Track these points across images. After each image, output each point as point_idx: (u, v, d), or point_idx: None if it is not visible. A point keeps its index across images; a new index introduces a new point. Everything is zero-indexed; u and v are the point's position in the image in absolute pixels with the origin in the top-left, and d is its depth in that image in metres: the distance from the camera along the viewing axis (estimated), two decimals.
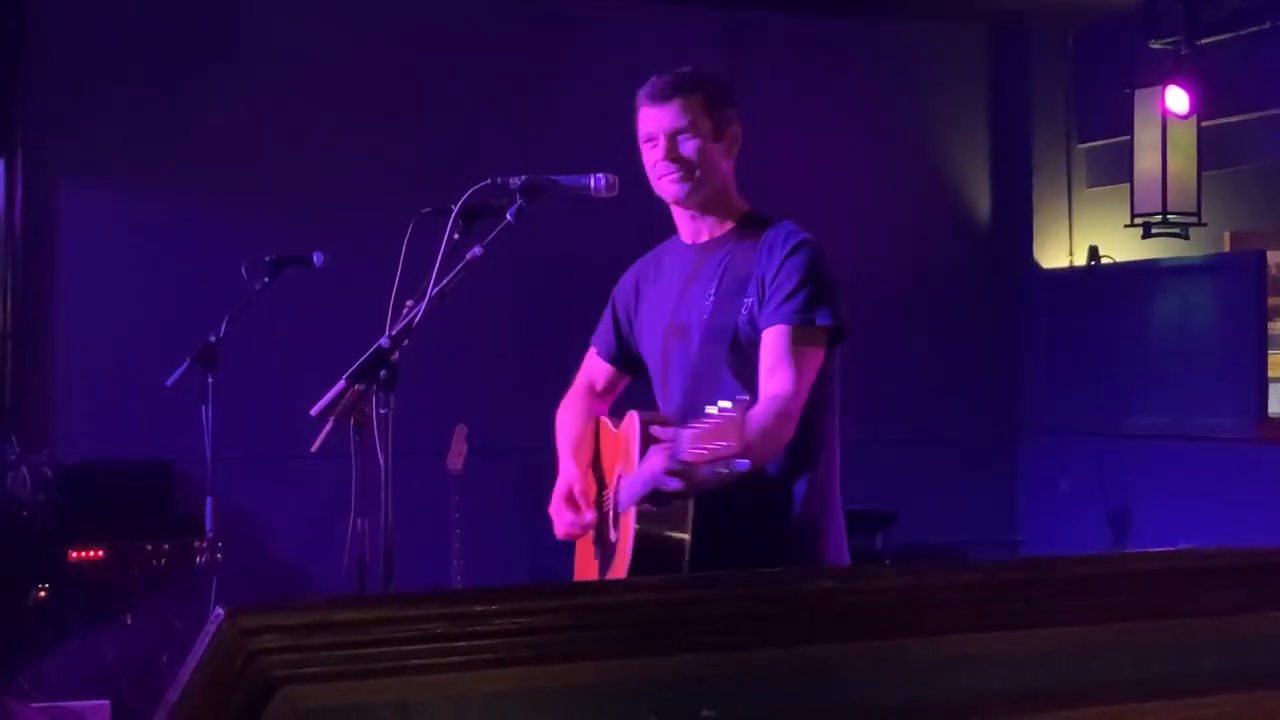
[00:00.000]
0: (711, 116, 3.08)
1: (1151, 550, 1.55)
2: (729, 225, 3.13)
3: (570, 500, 3.18)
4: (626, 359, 3.34)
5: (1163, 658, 1.44)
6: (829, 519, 3.07)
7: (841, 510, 3.12)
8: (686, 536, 2.89)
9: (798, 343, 2.94)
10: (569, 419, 3.37)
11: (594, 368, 3.41)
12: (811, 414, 2.99)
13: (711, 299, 3.07)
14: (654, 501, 2.87)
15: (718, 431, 2.56)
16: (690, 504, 2.87)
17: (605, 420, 3.31)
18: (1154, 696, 1.41)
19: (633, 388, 3.42)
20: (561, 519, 3.20)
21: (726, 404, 2.56)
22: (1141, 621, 1.43)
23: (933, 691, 1.35)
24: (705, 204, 3.13)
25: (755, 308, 2.99)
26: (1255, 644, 1.48)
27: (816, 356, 2.97)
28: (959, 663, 1.36)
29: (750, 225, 3.11)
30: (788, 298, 2.95)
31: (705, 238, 3.16)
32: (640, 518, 2.92)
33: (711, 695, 1.27)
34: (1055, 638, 1.40)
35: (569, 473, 3.24)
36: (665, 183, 3.09)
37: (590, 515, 3.15)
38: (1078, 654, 1.41)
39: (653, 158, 3.10)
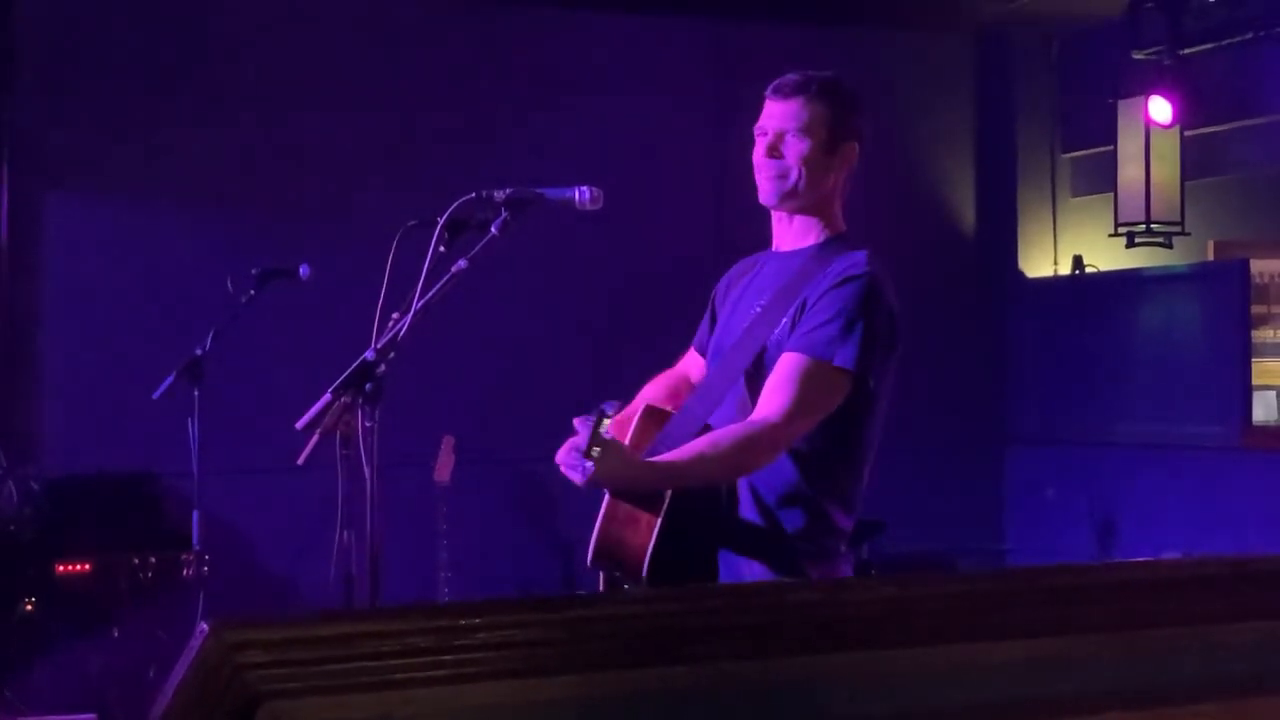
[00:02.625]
0: (830, 127, 2.98)
1: (1136, 560, 1.55)
2: (814, 241, 3.03)
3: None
4: None
5: (1147, 667, 1.45)
6: (820, 564, 2.94)
7: (841, 540, 3.00)
8: (653, 534, 2.85)
9: (809, 376, 2.83)
10: (639, 397, 3.25)
11: (689, 360, 3.33)
12: (822, 453, 2.91)
13: (757, 311, 3.01)
14: (617, 495, 2.88)
15: (584, 433, 2.60)
16: (665, 504, 2.85)
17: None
18: (1138, 706, 1.42)
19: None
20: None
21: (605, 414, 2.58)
22: (1126, 631, 1.44)
23: (918, 703, 1.36)
24: (799, 212, 3.03)
25: (787, 330, 2.91)
26: (1239, 652, 1.49)
27: (827, 395, 2.86)
28: (944, 673, 1.36)
29: (832, 247, 3.00)
30: (816, 328, 2.86)
31: (788, 248, 3.06)
32: (606, 507, 2.93)
33: (697, 708, 1.28)
34: (1040, 647, 1.41)
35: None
36: (759, 180, 3.01)
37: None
38: (1063, 663, 1.42)
39: (757, 152, 3.01)
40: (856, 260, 2.95)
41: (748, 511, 2.95)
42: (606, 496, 2.94)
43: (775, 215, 3.08)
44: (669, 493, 2.86)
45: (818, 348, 2.85)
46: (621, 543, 2.89)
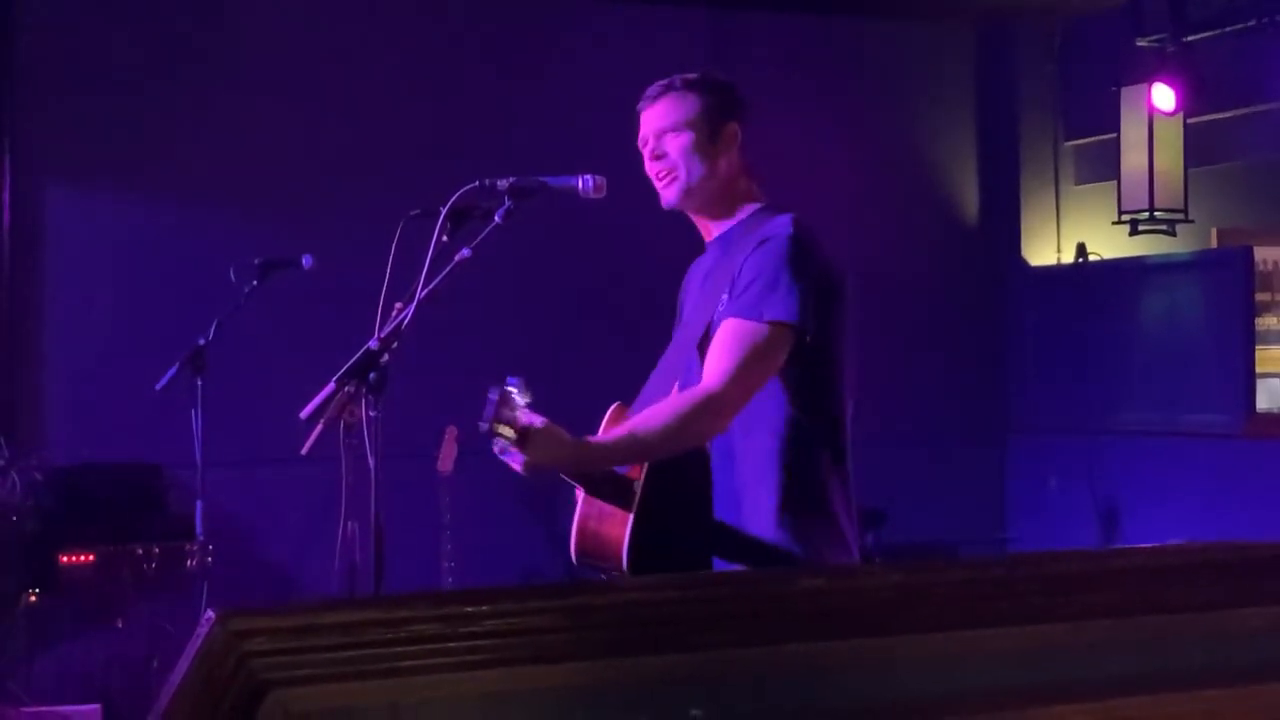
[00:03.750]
0: (705, 114, 3.02)
1: (1138, 546, 1.55)
2: (734, 220, 3.06)
3: None
4: None
5: (1150, 653, 1.45)
6: (805, 526, 2.92)
7: (840, 522, 2.96)
8: (629, 524, 2.87)
9: (743, 337, 2.85)
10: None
11: None
12: (777, 411, 2.91)
13: (697, 295, 3.06)
14: (589, 485, 2.91)
15: (487, 410, 2.66)
16: (638, 487, 2.87)
17: None
18: (1141, 692, 1.42)
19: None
20: None
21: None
22: (1129, 617, 1.44)
23: (921, 689, 1.36)
24: (705, 206, 3.07)
25: (727, 302, 2.93)
26: (1242, 639, 1.49)
27: (767, 353, 2.86)
28: (947, 660, 1.37)
29: (757, 218, 3.03)
30: (742, 292, 2.89)
31: (715, 234, 3.10)
32: (583, 502, 2.95)
33: (701, 695, 1.28)
34: (1043, 634, 1.41)
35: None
36: (657, 188, 3.05)
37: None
38: (1066, 650, 1.42)
39: (645, 160, 3.06)
40: (778, 223, 2.96)
41: (723, 499, 2.95)
42: (581, 496, 2.95)
43: (692, 216, 3.13)
44: (639, 487, 2.87)
45: (748, 309, 2.87)
46: (599, 538, 2.91)
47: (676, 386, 3.00)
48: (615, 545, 2.87)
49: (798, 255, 2.89)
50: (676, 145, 3.01)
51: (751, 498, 2.93)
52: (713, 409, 2.83)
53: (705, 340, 2.95)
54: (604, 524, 2.90)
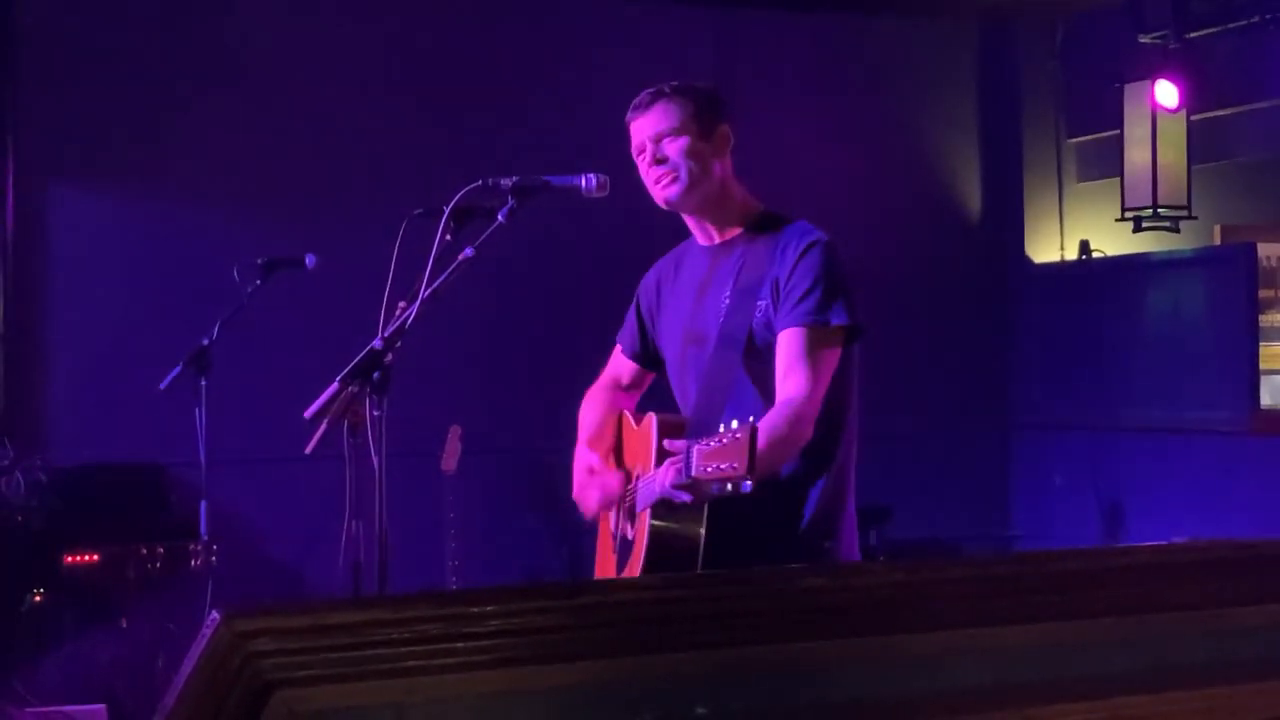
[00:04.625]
0: (697, 118, 3.08)
1: (1141, 544, 1.56)
2: (740, 226, 3.12)
3: (592, 474, 3.16)
4: (650, 357, 3.35)
5: (1153, 651, 1.45)
6: (842, 519, 3.06)
7: (854, 508, 3.12)
8: (701, 535, 2.90)
9: (813, 344, 2.93)
10: (589, 411, 3.37)
11: (619, 364, 3.43)
12: (829, 414, 2.99)
13: (726, 302, 3.07)
14: (667, 505, 2.89)
15: (726, 452, 2.57)
16: (705, 504, 2.89)
17: (628, 415, 3.33)
18: (1144, 689, 1.42)
19: (660, 385, 3.42)
20: (588, 497, 3.17)
21: (735, 424, 2.57)
22: (1133, 615, 1.44)
23: (925, 686, 1.36)
24: (704, 206, 3.11)
25: (770, 311, 2.98)
26: (1247, 636, 1.49)
27: (833, 357, 2.97)
28: (951, 658, 1.37)
29: (763, 226, 3.09)
30: (802, 299, 2.94)
31: (718, 240, 3.15)
32: (655, 517, 2.94)
33: (705, 693, 1.28)
34: (1047, 632, 1.41)
35: (584, 455, 3.23)
36: (658, 189, 3.09)
37: (614, 482, 3.12)
38: (1069, 648, 1.42)
39: (643, 169, 3.11)
40: (804, 229, 3.05)
41: (767, 492, 2.97)
42: (644, 539, 2.94)
43: (688, 217, 3.18)
44: (704, 524, 2.89)
45: (812, 315, 2.94)
46: (674, 556, 2.90)
47: (730, 398, 3.01)
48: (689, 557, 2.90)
49: (838, 259, 3.00)
50: (675, 147, 3.06)
51: (799, 495, 3.01)
52: (808, 419, 2.92)
53: (750, 348, 3.00)
54: (671, 554, 2.92)
